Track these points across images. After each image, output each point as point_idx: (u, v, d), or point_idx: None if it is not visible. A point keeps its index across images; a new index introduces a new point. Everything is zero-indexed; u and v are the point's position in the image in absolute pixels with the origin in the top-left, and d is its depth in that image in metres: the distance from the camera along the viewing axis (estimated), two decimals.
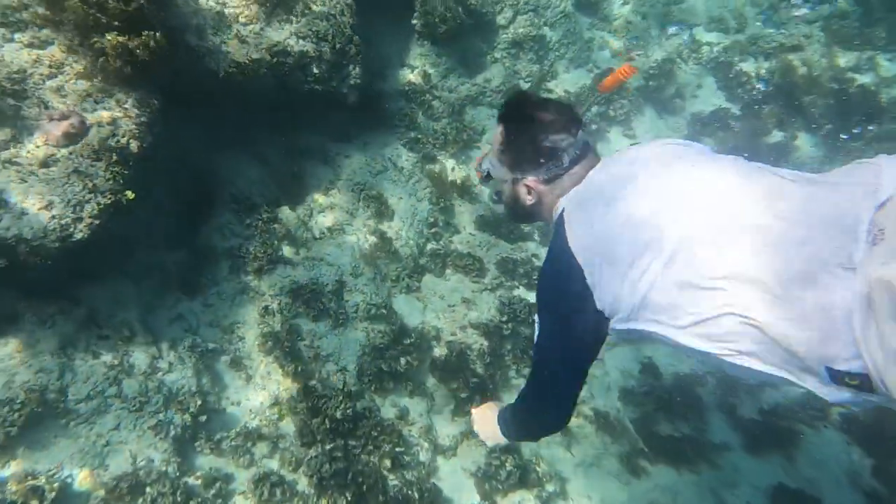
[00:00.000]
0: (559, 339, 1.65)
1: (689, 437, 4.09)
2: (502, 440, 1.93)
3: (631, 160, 1.65)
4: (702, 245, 1.36)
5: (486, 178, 1.95)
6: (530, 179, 1.78)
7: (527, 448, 3.73)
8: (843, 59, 6.82)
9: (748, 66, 7.04)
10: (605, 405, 4.12)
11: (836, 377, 1.20)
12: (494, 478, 3.51)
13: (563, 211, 1.69)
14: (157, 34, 2.80)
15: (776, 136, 6.53)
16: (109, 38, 2.71)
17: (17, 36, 2.75)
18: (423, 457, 3.52)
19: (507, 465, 3.55)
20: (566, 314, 1.61)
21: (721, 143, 6.40)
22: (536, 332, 1.67)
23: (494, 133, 1.90)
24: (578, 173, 1.73)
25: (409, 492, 3.19)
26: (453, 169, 5.09)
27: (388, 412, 3.62)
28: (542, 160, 1.74)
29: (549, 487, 3.60)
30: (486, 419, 2.00)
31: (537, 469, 3.60)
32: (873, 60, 6.77)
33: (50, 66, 2.81)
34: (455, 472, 3.57)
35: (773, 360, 1.29)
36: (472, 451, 3.65)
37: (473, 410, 2.17)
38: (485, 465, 3.57)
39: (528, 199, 1.83)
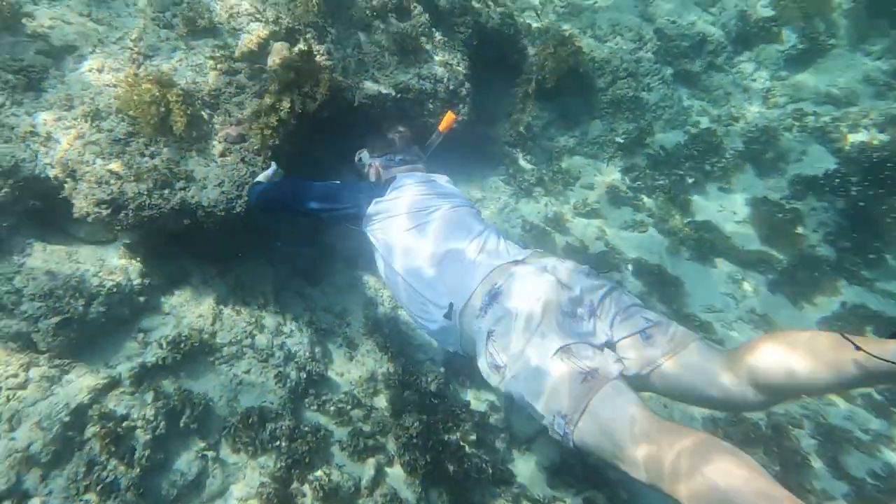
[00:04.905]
0: (327, 194, 3.36)
1: None
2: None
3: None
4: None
5: (359, 160, 3.71)
6: (376, 163, 3.59)
7: None
8: None
9: (860, 137, 6.92)
10: None
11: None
12: (569, 473, 3.67)
13: (396, 177, 3.30)
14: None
15: None
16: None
17: (219, 66, 3.72)
18: (499, 444, 3.77)
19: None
20: (341, 190, 3.37)
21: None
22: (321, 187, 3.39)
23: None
24: (404, 170, 3.44)
25: (484, 465, 3.45)
26: (546, 205, 5.56)
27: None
28: (384, 154, 3.59)
29: (623, 494, 3.67)
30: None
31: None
32: None
33: (236, 88, 3.73)
34: (528, 463, 3.77)
35: None
36: (547, 448, 3.84)
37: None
38: (560, 461, 3.74)
39: (373, 175, 3.61)
